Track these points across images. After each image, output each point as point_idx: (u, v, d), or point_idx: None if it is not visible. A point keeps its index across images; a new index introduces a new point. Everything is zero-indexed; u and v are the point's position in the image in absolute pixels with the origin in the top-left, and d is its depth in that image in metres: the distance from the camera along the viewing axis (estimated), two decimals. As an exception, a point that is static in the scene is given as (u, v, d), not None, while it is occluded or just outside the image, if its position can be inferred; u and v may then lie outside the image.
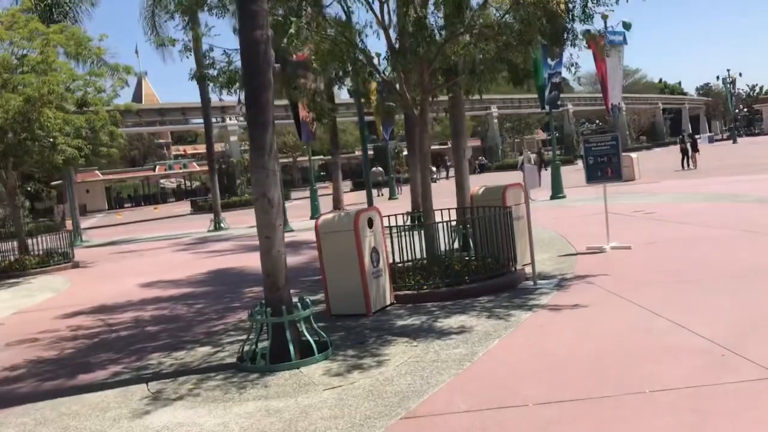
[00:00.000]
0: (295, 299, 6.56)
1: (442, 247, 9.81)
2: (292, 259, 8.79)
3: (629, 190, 22.52)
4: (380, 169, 41.04)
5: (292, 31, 7.62)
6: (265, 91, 6.43)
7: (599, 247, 10.73)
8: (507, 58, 9.16)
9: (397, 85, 9.67)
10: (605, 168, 10.92)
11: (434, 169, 48.10)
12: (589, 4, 8.76)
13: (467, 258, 9.62)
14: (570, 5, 8.91)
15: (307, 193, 30.68)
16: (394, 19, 9.43)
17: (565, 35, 8.94)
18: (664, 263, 9.36)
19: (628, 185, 25.54)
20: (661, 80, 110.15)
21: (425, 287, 8.60)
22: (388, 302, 8.33)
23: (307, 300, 6.60)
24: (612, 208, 16.36)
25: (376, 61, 10.07)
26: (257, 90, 6.45)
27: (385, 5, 8.81)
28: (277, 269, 6.40)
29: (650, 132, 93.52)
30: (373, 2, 8.79)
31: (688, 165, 32.83)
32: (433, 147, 72.85)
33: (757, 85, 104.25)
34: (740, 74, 79.09)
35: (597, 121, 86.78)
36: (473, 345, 6.18)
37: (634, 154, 32.19)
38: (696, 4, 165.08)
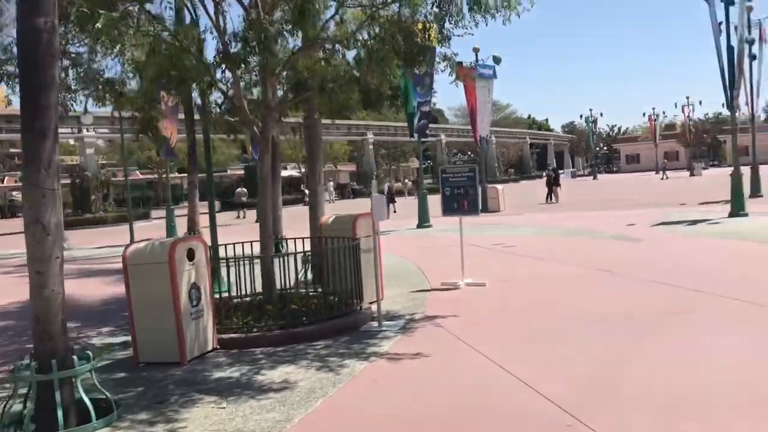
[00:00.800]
0: (101, 341, 5.30)
1: (293, 281, 8.82)
2: (121, 289, 7.45)
3: (493, 222, 22.55)
4: (244, 189, 39.60)
5: (99, 25, 6.40)
6: (45, 90, 5.18)
7: (454, 283, 10.12)
8: (359, 77, 8.38)
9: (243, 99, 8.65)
10: (461, 200, 10.37)
11: (306, 192, 47.17)
12: (447, 25, 8.20)
13: (311, 294, 8.64)
14: (427, 24, 8.31)
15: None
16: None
17: (421, 57, 8.29)
18: (517, 304, 8.84)
19: (493, 216, 25.76)
20: (529, 116, 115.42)
21: (255, 329, 7.53)
22: (210, 347, 7.17)
23: (88, 352, 5.35)
24: (474, 240, 16.09)
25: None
26: (36, 89, 5.19)
27: (221, 5, 7.75)
28: (50, 314, 5.12)
29: (518, 165, 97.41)
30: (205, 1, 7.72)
31: (551, 199, 33.80)
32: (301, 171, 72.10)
33: (616, 125, 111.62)
34: (601, 114, 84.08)
35: (469, 153, 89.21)
36: (291, 408, 5.17)
37: (500, 186, 32.79)
38: (565, 46, 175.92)
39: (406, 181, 60.91)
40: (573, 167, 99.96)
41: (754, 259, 11.20)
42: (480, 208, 10.49)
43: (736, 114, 21.42)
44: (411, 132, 23.55)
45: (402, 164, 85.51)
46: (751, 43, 25.46)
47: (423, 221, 22.41)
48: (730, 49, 19.81)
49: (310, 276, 9.27)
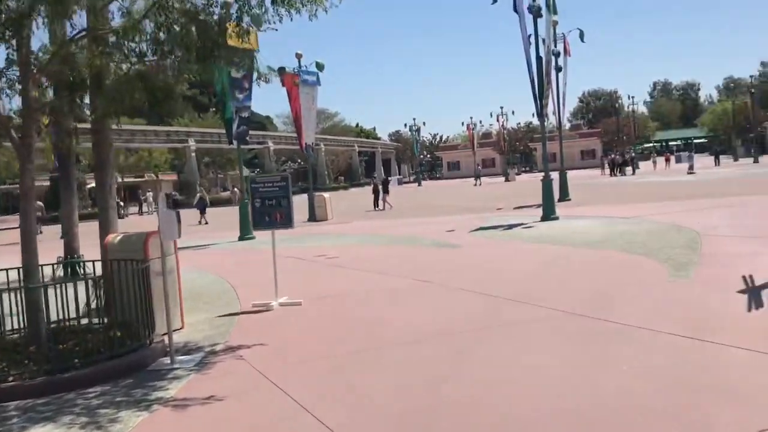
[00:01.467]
0: None
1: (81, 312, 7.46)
2: None
3: (320, 231, 21.92)
4: (40, 203, 35.87)
5: None
6: None
7: (266, 304, 9.22)
8: (143, 73, 7.25)
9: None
10: (274, 212, 9.50)
11: (122, 203, 43.82)
12: (245, 18, 7.32)
13: (93, 329, 7.32)
14: (224, 17, 7.38)
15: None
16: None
17: (216, 52, 7.32)
18: (332, 326, 8.12)
19: (321, 225, 25.16)
20: (357, 125, 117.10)
21: (12, 378, 6.14)
22: (-52, 405, 5.72)
23: None
24: (296, 252, 15.30)
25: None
26: None
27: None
28: None
29: (347, 172, 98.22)
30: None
31: (380, 206, 33.84)
32: (128, 179, 67.53)
33: (438, 134, 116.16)
34: (424, 123, 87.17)
35: (299, 161, 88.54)
36: (29, 491, 4.02)
37: (327, 194, 32.28)
38: (392, 56, 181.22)
39: (235, 189, 58.84)
40: (399, 174, 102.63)
41: (569, 264, 11.38)
42: (293, 220, 9.64)
43: (545, 122, 22.48)
44: (229, 138, 22.28)
45: (230, 172, 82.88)
46: (557, 55, 27.12)
47: (245, 233, 21.21)
48: (539, 60, 20.74)
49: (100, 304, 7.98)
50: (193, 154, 65.76)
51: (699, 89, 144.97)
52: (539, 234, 15.96)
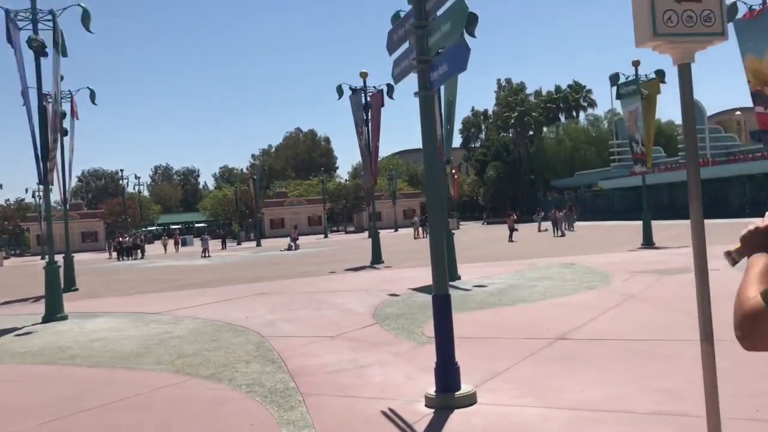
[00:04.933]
0: None
1: None
2: None
3: None
4: None
5: None
6: None
7: None
8: None
9: None
10: None
11: None
12: None
13: None
14: None
15: None
16: None
17: None
18: None
19: None
20: None
21: None
22: None
23: None
24: None
25: None
26: None
27: None
28: None
29: None
30: None
31: None
32: None
33: None
34: None
35: None
36: None
37: None
38: None
39: None
40: None
41: (102, 406, 7.22)
42: None
43: (40, 198, 17.41)
44: None
45: None
46: (63, 115, 22.32)
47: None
48: (42, 117, 15.86)
49: None
50: None
51: (199, 175, 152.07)
52: (44, 345, 11.13)
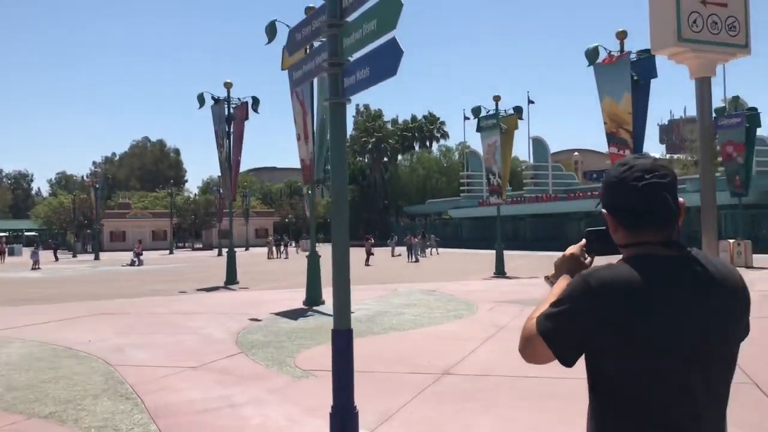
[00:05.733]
0: None
1: None
2: None
3: None
4: None
5: None
6: None
7: None
8: None
9: None
10: None
11: None
12: None
13: None
14: None
15: None
16: None
17: None
18: None
19: None
20: None
21: None
22: None
23: None
24: None
25: None
26: None
27: None
28: None
29: None
30: None
31: None
32: None
33: None
34: None
35: None
36: None
37: None
38: None
39: None
40: None
41: None
42: None
43: None
44: None
45: None
46: None
47: None
48: None
49: None
50: None
51: (32, 180, 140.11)
52: None
